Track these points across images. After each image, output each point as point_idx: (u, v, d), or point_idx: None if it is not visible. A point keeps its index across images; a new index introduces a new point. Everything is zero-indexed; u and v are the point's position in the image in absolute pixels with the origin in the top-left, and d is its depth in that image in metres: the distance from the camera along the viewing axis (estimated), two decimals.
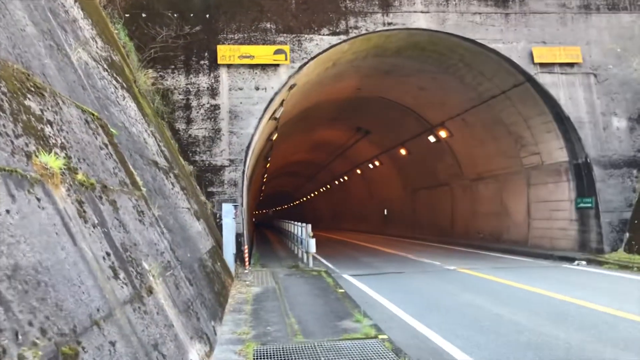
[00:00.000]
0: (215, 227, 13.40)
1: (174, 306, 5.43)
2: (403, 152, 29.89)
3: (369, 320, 7.40)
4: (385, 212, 38.43)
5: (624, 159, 15.55)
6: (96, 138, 5.62)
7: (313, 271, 13.57)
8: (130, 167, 6.85)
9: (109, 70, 9.07)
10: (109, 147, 6.02)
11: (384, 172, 36.13)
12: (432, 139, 25.13)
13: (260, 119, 14.88)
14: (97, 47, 8.99)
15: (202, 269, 8.41)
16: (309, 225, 15.41)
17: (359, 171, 40.58)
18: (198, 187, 14.21)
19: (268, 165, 32.34)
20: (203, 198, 14.04)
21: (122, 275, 4.26)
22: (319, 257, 18.25)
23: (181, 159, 14.02)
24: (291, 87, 15.98)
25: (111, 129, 6.64)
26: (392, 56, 18.26)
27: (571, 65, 15.94)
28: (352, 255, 20.03)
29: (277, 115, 17.19)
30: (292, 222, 21.41)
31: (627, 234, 14.89)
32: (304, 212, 74.57)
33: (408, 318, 8.20)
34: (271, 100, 14.91)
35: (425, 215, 31.03)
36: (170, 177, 10.05)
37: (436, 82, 20.17)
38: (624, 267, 13.11)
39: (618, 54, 16.06)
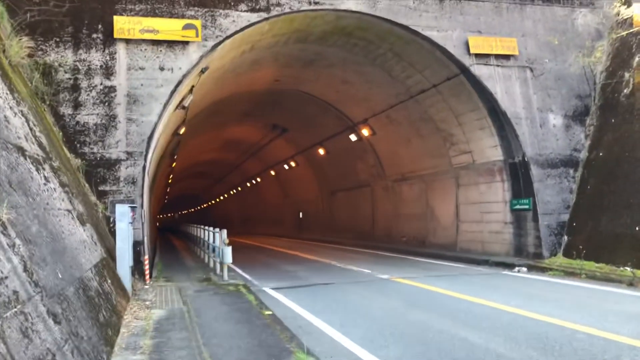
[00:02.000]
0: (108, 233, 10.91)
1: None
2: (321, 151, 28.24)
3: None
4: (301, 215, 36.65)
5: (561, 158, 14.74)
6: None
7: (230, 285, 11.41)
8: None
9: None
10: None
11: (300, 173, 34.33)
12: (353, 137, 23.69)
13: (166, 105, 12.54)
14: None
15: (82, 293, 6.12)
16: (224, 231, 13.19)
17: (273, 172, 38.45)
18: (87, 184, 11.63)
19: (174, 164, 29.47)
20: (93, 198, 11.48)
21: None
22: (233, 266, 16.04)
23: (65, 150, 11.39)
24: (203, 71, 13.74)
25: None
26: (316, 43, 16.50)
27: (507, 57, 14.97)
28: (270, 264, 18.01)
29: (186, 103, 14.87)
30: (203, 226, 18.98)
31: (566, 238, 14.04)
32: (214, 216, 71.26)
33: (360, 351, 6.35)
34: (179, 82, 12.62)
35: (344, 218, 29.59)
36: (44, 169, 7.61)
37: (362, 74, 18.67)
38: (570, 274, 12.09)
39: (553, 48, 15.27)
